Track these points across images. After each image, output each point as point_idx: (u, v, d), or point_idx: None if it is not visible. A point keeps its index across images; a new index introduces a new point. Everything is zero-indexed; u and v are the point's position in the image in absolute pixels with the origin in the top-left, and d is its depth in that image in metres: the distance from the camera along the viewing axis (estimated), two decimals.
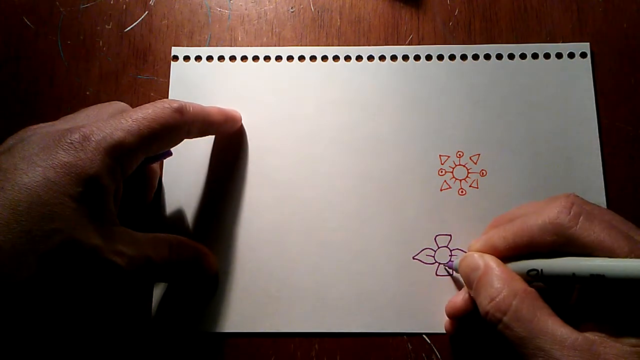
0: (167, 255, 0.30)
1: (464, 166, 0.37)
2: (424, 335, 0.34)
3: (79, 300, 0.27)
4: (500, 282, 0.28)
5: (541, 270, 0.28)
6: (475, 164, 0.37)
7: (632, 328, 0.25)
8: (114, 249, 0.27)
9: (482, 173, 0.37)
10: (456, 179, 0.36)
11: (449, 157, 0.37)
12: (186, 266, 0.32)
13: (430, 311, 0.34)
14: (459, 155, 0.37)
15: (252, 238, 0.36)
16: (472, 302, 0.31)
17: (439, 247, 0.35)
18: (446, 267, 0.35)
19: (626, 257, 0.25)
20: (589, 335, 0.26)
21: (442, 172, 0.37)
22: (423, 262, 0.35)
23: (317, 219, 0.36)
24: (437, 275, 0.35)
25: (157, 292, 0.35)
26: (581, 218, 0.27)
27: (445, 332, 0.34)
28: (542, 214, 0.28)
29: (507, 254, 0.30)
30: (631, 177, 0.36)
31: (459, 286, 0.35)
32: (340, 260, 0.35)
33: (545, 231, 0.27)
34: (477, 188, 0.36)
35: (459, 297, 0.32)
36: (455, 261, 0.33)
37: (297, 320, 0.35)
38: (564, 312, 0.27)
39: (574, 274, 0.26)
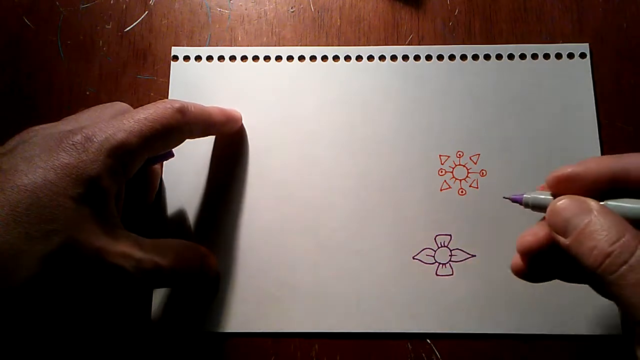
0: (173, 261, 0.30)
1: (464, 166, 0.37)
2: (424, 336, 0.34)
3: (81, 303, 0.27)
4: (619, 225, 0.25)
5: None
6: (475, 164, 0.37)
7: None
8: (118, 251, 0.27)
9: (482, 173, 0.37)
10: (456, 179, 0.37)
11: (449, 157, 0.37)
12: (191, 271, 0.32)
13: (430, 311, 0.34)
14: (459, 155, 0.37)
15: (252, 238, 0.36)
16: (547, 241, 0.28)
17: (439, 247, 0.35)
18: (509, 199, 0.30)
19: None
20: None
21: (442, 172, 0.37)
22: (423, 262, 0.35)
23: (317, 219, 0.36)
24: (437, 275, 0.35)
25: (157, 292, 0.35)
26: None
27: (515, 274, 0.30)
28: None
29: (601, 186, 0.27)
30: None
31: (458, 286, 0.35)
32: (340, 260, 0.35)
33: None
34: (477, 188, 0.36)
35: (534, 234, 0.28)
36: (529, 195, 0.29)
37: (297, 320, 0.35)
38: None
39: None
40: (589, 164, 0.27)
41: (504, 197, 0.30)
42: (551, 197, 0.28)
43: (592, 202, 0.26)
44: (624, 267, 0.24)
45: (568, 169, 0.28)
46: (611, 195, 0.26)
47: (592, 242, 0.25)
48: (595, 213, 0.26)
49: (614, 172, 0.27)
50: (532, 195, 0.29)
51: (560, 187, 0.28)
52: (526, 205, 0.29)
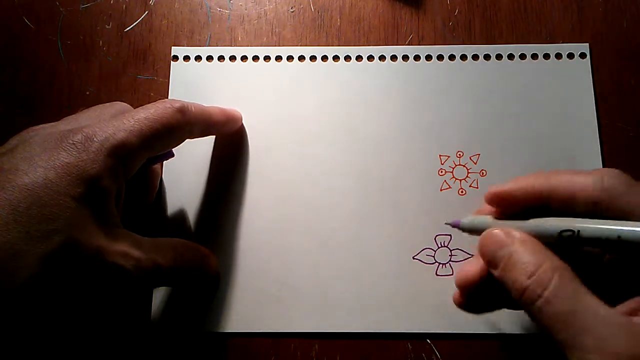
0: (173, 260, 0.30)
1: (464, 166, 0.37)
2: (424, 336, 0.34)
3: (82, 302, 0.27)
4: (537, 257, 0.26)
5: (577, 231, 0.26)
6: (475, 164, 0.37)
7: None
8: (118, 250, 0.27)
9: (482, 173, 0.37)
10: (456, 179, 0.37)
11: (449, 157, 0.37)
12: (190, 270, 0.32)
13: (430, 311, 0.34)
14: (459, 155, 0.37)
15: (252, 238, 0.36)
16: (486, 272, 0.29)
17: (439, 247, 0.35)
18: (450, 225, 0.32)
19: None
20: (631, 317, 0.24)
21: (442, 172, 0.37)
22: (423, 262, 0.35)
23: (317, 219, 0.36)
24: (437, 275, 0.35)
25: (157, 292, 0.35)
26: (630, 186, 0.26)
27: (457, 306, 0.31)
28: (591, 174, 0.27)
29: (533, 203, 0.28)
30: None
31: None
32: (341, 260, 0.35)
33: (593, 188, 0.26)
34: (477, 188, 0.36)
35: (472, 266, 0.30)
36: (465, 219, 0.31)
37: (297, 320, 0.35)
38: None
39: (619, 236, 0.24)
40: (521, 183, 0.28)
41: (445, 224, 0.32)
42: (483, 222, 0.29)
43: (516, 233, 0.27)
44: (541, 300, 0.25)
45: (503, 187, 0.29)
46: (545, 210, 0.27)
47: (513, 274, 0.26)
48: (517, 244, 0.27)
49: (541, 191, 0.28)
50: (468, 220, 0.30)
51: (497, 203, 0.29)
52: (463, 229, 0.30)
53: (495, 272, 0.28)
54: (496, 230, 0.28)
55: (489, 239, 0.28)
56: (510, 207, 0.29)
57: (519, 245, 0.27)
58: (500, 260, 0.27)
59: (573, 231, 0.26)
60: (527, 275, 0.26)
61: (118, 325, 0.34)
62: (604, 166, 0.36)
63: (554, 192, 0.27)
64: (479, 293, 0.30)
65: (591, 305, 0.24)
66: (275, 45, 0.39)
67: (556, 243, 0.26)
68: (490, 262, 0.28)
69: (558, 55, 0.38)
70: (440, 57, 0.38)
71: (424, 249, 0.35)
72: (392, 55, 0.39)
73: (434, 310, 0.34)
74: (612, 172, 0.27)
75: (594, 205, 0.26)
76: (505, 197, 0.29)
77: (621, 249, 0.25)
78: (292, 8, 0.40)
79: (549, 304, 0.25)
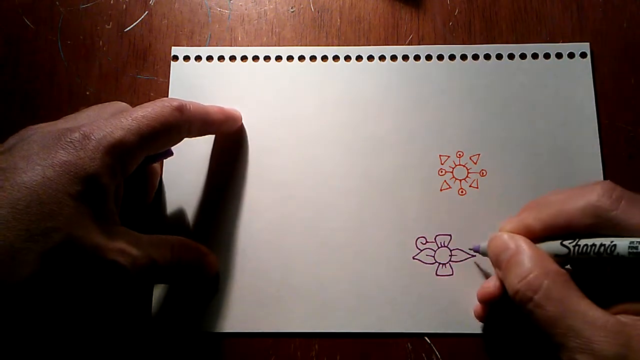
0: (169, 257, 0.30)
1: (464, 166, 0.37)
2: (424, 336, 0.34)
3: (80, 300, 0.27)
4: (532, 262, 0.28)
5: (574, 247, 0.28)
6: (475, 164, 0.37)
7: None
8: (116, 247, 0.27)
9: (482, 173, 0.36)
10: (456, 179, 0.36)
11: (449, 157, 0.37)
12: (188, 267, 0.32)
13: (430, 311, 0.34)
14: (459, 155, 0.37)
15: (252, 238, 0.36)
16: (503, 288, 0.30)
17: (439, 247, 0.35)
18: (472, 250, 0.35)
19: None
20: (621, 317, 0.25)
21: (442, 172, 0.37)
22: (423, 262, 0.35)
23: (317, 219, 0.36)
24: (437, 275, 0.35)
25: (157, 292, 0.35)
26: (623, 202, 0.26)
27: (476, 318, 0.34)
28: (583, 197, 0.27)
29: (541, 235, 0.29)
30: (631, 177, 0.36)
31: (458, 286, 0.35)
32: (340, 260, 0.35)
33: (586, 214, 0.27)
34: (477, 188, 0.36)
35: (492, 282, 0.32)
36: (483, 244, 0.33)
37: (297, 320, 0.35)
38: (592, 295, 0.27)
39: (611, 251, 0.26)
40: (517, 224, 0.30)
41: (469, 249, 0.35)
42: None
43: (519, 239, 0.29)
44: (532, 303, 0.27)
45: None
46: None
47: (509, 277, 0.29)
48: (515, 250, 0.29)
49: (541, 230, 0.29)
50: (484, 244, 0.33)
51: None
52: (483, 254, 0.33)
53: (499, 273, 0.30)
54: (502, 235, 0.30)
55: (494, 241, 0.30)
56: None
57: (517, 251, 0.29)
58: (502, 263, 0.29)
59: (569, 249, 0.28)
60: (519, 279, 0.28)
61: (118, 324, 0.34)
62: (603, 166, 0.36)
63: (549, 228, 0.29)
64: (498, 307, 0.31)
65: (580, 309, 0.25)
66: (275, 45, 0.39)
67: (561, 262, 0.28)
68: (495, 263, 0.30)
69: (558, 55, 0.38)
70: (440, 57, 0.38)
71: (424, 249, 0.35)
72: (392, 55, 0.39)
73: (434, 310, 0.34)
74: (602, 189, 0.27)
75: (590, 227, 0.27)
76: (526, 231, 0.30)
77: (614, 262, 0.26)
78: (292, 8, 0.40)
79: (539, 306, 0.26)
